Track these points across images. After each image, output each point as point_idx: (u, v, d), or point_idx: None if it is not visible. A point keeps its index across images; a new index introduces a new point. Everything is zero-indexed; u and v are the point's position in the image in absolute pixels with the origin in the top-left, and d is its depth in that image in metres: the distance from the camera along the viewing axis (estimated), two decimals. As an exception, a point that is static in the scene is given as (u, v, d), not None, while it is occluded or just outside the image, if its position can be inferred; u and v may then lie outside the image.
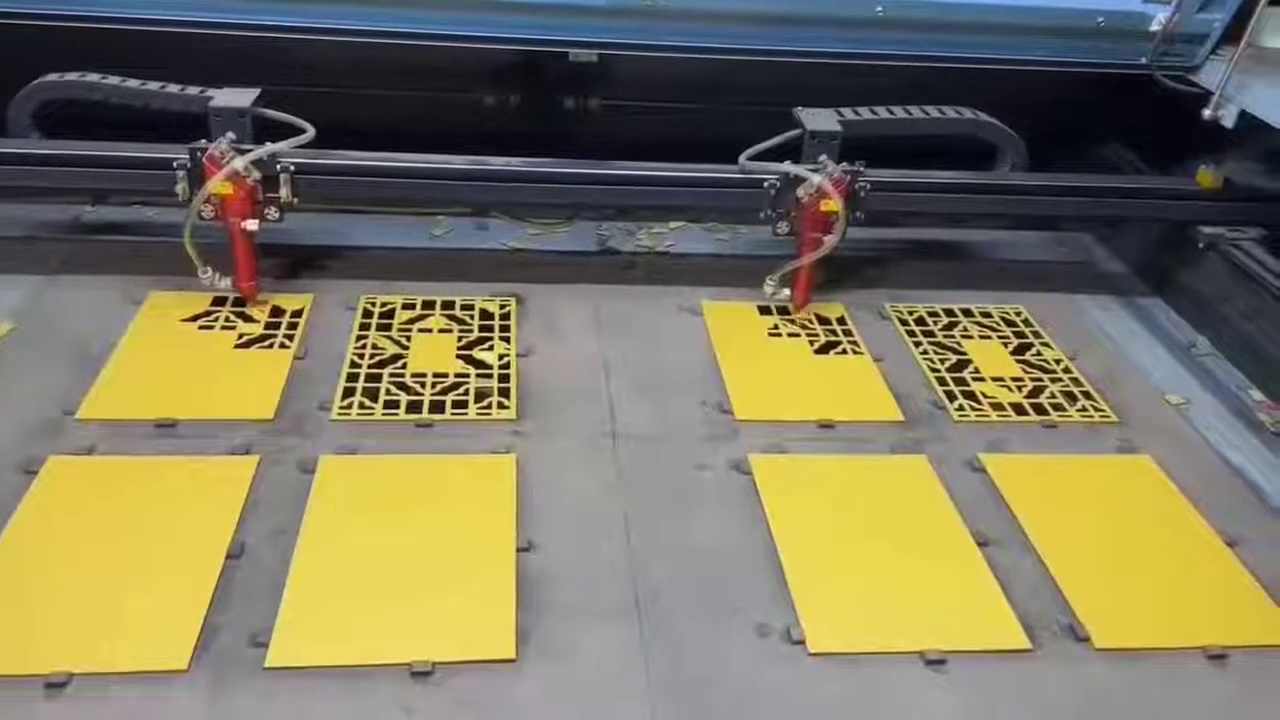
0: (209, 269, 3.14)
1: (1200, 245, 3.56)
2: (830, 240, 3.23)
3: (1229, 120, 3.37)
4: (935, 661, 2.18)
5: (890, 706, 2.09)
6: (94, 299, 3.19)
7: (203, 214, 3.06)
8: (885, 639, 2.22)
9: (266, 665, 2.04)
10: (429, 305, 3.28)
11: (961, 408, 3.01)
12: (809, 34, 3.45)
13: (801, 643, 2.19)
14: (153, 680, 2.00)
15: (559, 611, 2.23)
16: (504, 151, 3.34)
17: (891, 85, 3.56)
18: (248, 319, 3.15)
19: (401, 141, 3.31)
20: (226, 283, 3.18)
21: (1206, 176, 3.57)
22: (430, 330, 3.17)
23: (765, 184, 3.27)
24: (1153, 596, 2.40)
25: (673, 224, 4.00)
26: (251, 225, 3.11)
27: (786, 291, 3.39)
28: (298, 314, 3.19)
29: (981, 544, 2.50)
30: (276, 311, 3.19)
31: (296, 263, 3.47)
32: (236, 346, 3.02)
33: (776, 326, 3.35)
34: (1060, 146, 4.03)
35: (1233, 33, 3.43)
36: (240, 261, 3.17)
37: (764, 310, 3.42)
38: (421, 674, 2.05)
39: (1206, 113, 3.39)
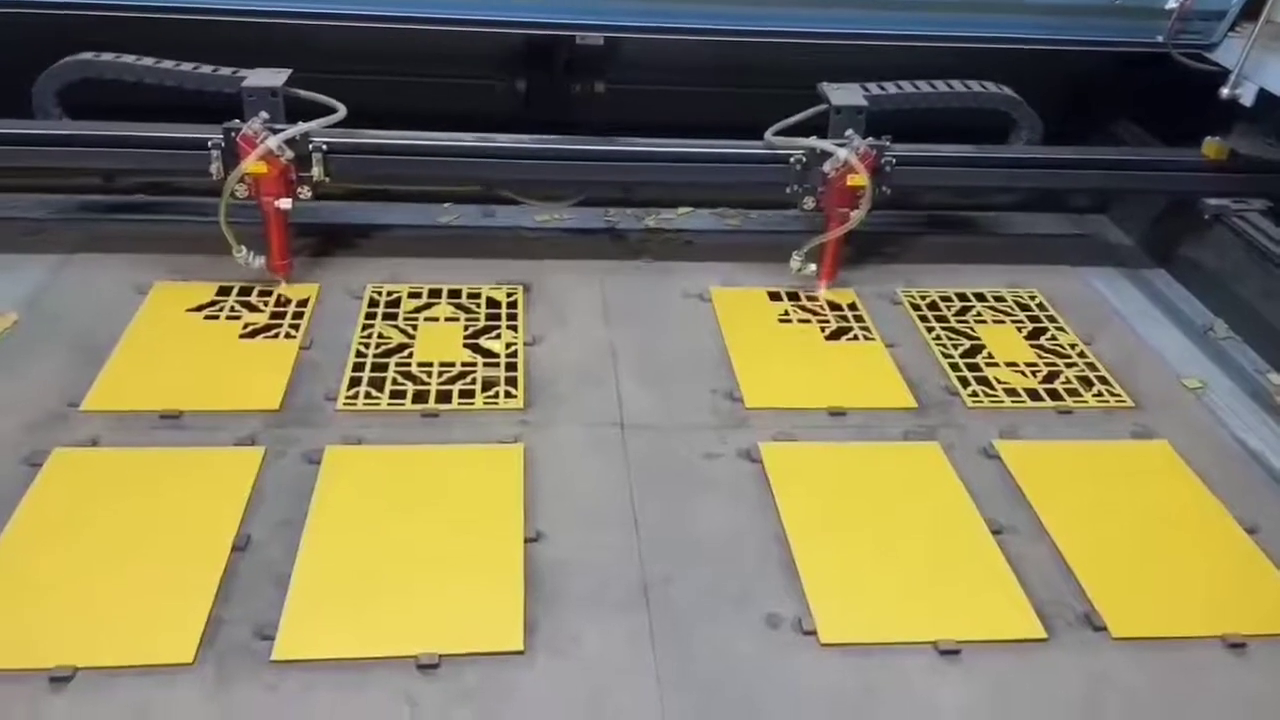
0: (244, 248, 3.14)
1: (1206, 217, 3.54)
2: (857, 215, 3.23)
3: (1247, 99, 3.31)
4: (949, 652, 2.14)
5: (903, 698, 2.06)
6: (98, 289, 3.18)
7: (236, 193, 3.07)
8: (897, 629, 2.19)
9: (273, 658, 2.02)
10: (435, 294, 3.26)
11: (975, 394, 2.97)
12: (821, 15, 3.41)
13: (812, 633, 2.16)
14: (158, 673, 1.99)
15: (568, 603, 2.20)
16: (510, 138, 3.32)
17: (906, 65, 3.52)
18: (253, 308, 3.13)
19: (407, 128, 3.30)
20: (260, 262, 3.18)
21: (1213, 148, 3.53)
22: (437, 319, 3.14)
23: (791, 159, 3.28)
24: (1170, 584, 2.36)
25: (681, 210, 3.97)
26: (285, 204, 3.12)
27: (813, 266, 3.37)
28: (303, 303, 3.17)
29: (996, 532, 2.46)
30: (282, 301, 3.17)
31: (303, 250, 3.44)
32: (242, 336, 3.00)
33: (787, 313, 3.31)
34: (1072, 125, 3.98)
35: (1251, 9, 3.36)
36: (274, 240, 3.19)
37: (774, 296, 3.39)
38: (428, 666, 2.03)
39: (1224, 91, 3.33)
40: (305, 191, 3.18)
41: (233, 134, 3.06)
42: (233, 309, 3.12)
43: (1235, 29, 3.46)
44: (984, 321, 3.34)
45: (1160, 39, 3.49)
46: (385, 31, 3.34)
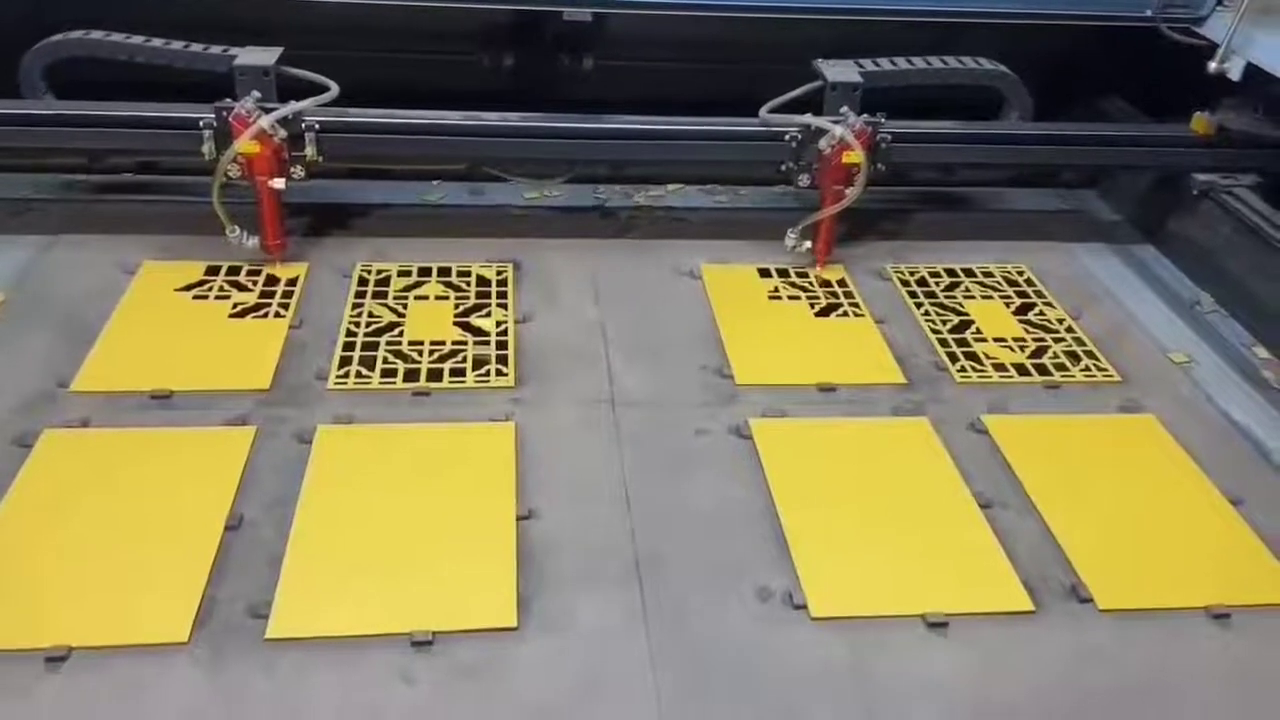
0: (237, 228, 3.13)
1: (1195, 192, 3.55)
2: (852, 192, 3.22)
3: (1235, 73, 3.31)
4: (937, 624, 2.17)
5: (892, 670, 2.08)
6: (86, 269, 3.16)
7: (229, 173, 3.05)
8: (887, 602, 2.21)
9: (267, 636, 2.03)
10: (425, 272, 3.25)
11: (964, 369, 2.99)
12: None
13: (803, 607, 2.18)
14: (153, 653, 2.00)
15: (560, 579, 2.22)
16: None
17: (894, 41, 3.51)
18: (242, 288, 3.12)
19: (393, 105, 3.27)
20: (254, 242, 3.17)
21: (1201, 122, 3.53)
22: (427, 297, 3.14)
23: (786, 137, 3.27)
24: (1156, 556, 2.39)
25: (671, 186, 3.96)
26: (278, 184, 3.10)
27: (808, 244, 3.37)
28: (292, 283, 3.16)
29: (984, 506, 2.49)
30: (271, 280, 3.16)
31: (291, 230, 3.41)
32: (231, 316, 2.99)
33: (776, 289, 3.31)
34: (1060, 100, 3.99)
35: (1240, -18, 3.36)
36: (267, 220, 3.17)
37: (764, 273, 3.39)
38: (422, 643, 2.04)
39: (1213, 65, 3.32)
40: (298, 171, 3.16)
41: (225, 113, 3.03)
42: (222, 289, 3.11)
43: (1224, 3, 3.45)
44: (972, 297, 3.35)
45: (1149, 13, 3.50)
46: (370, 7, 3.31)
